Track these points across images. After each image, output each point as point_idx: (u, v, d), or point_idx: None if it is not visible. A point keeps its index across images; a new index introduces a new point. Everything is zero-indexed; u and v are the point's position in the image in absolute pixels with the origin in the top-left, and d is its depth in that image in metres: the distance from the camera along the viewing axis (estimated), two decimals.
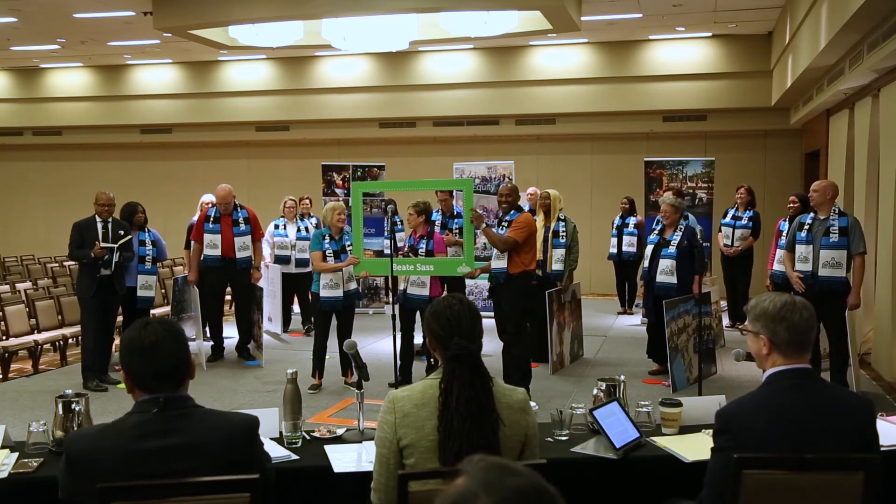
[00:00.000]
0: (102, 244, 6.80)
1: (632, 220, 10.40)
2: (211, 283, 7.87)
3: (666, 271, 6.81)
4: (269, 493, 2.28)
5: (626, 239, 10.42)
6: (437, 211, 8.11)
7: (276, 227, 9.31)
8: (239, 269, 7.85)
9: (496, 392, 2.36)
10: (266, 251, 9.12)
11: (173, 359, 2.20)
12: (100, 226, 6.95)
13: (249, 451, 2.24)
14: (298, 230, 9.31)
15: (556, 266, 7.56)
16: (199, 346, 7.84)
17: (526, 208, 9.65)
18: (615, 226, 10.58)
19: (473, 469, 1.21)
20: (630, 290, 10.77)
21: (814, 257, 6.17)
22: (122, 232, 7.00)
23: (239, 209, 7.93)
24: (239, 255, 7.80)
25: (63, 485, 2.20)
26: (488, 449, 2.22)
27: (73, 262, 8.89)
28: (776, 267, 7.37)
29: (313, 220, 9.52)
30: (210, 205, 8.21)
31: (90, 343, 6.96)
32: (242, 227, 7.86)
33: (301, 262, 9.14)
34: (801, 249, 6.28)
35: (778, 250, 7.38)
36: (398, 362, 6.42)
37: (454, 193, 8.57)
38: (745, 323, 2.54)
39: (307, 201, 9.64)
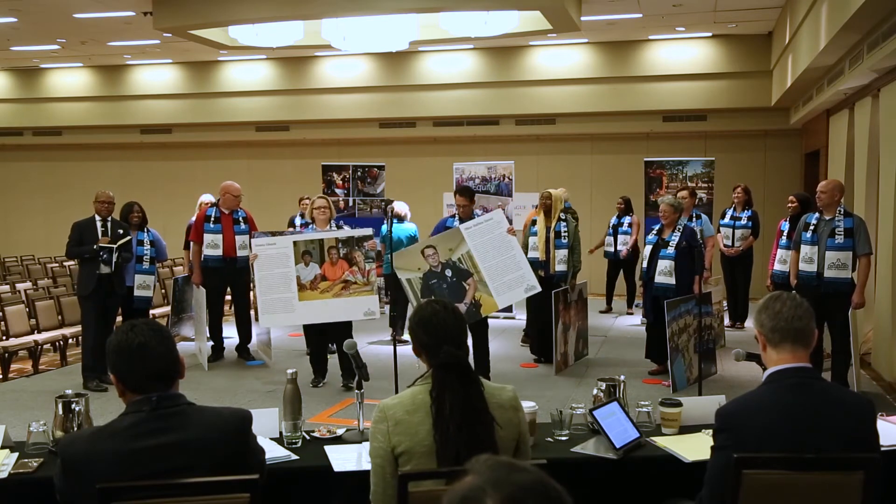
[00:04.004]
0: (102, 244, 6.81)
1: (626, 220, 10.44)
2: (212, 283, 7.81)
3: (664, 272, 6.79)
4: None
5: (621, 238, 10.45)
6: (454, 217, 7.15)
7: (305, 226, 7.50)
8: (239, 268, 7.84)
9: (486, 393, 2.37)
10: None
11: (162, 359, 2.20)
12: (99, 224, 6.97)
13: (243, 445, 2.25)
14: None
15: (560, 267, 7.49)
16: (200, 346, 7.84)
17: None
18: (611, 225, 10.60)
19: (481, 467, 1.23)
20: (629, 289, 10.77)
21: (819, 258, 6.16)
22: (121, 231, 7.01)
23: (238, 208, 7.93)
24: (239, 254, 7.80)
25: (60, 489, 2.20)
26: (487, 451, 2.21)
27: (73, 262, 8.89)
28: (777, 267, 7.36)
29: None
30: (208, 205, 8.19)
31: (91, 341, 6.95)
32: (242, 226, 7.85)
33: None
34: (805, 250, 6.27)
35: (780, 250, 7.37)
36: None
37: (475, 199, 7.25)
38: None
39: (307, 201, 9.59)
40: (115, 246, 6.85)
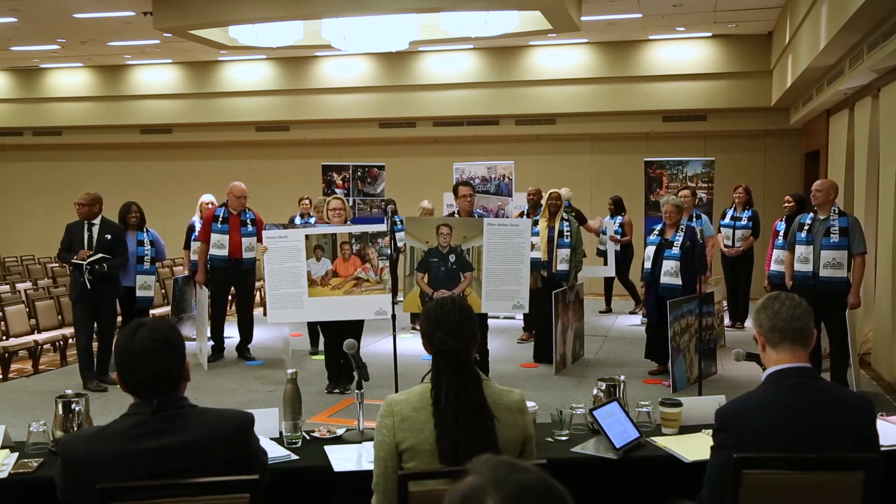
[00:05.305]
0: (74, 260, 6.77)
1: (617, 220, 10.47)
2: (217, 283, 7.81)
3: (671, 272, 6.79)
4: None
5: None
6: (456, 214, 6.96)
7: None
8: (244, 269, 7.84)
9: (493, 394, 2.37)
10: None
11: (162, 367, 2.18)
12: (85, 227, 6.92)
13: (245, 446, 2.25)
14: None
15: (562, 266, 7.53)
16: (201, 346, 7.84)
17: (524, 208, 9.62)
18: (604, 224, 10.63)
19: (482, 467, 1.23)
20: (627, 288, 10.76)
21: (814, 258, 6.17)
22: (108, 236, 6.92)
23: (246, 210, 7.92)
24: (245, 255, 7.79)
25: (60, 489, 2.20)
26: (485, 445, 2.22)
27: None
28: (774, 267, 7.36)
29: (312, 220, 9.41)
30: (211, 205, 8.18)
31: (83, 343, 6.98)
32: (250, 227, 7.84)
33: None
34: (801, 250, 6.27)
35: (776, 251, 7.37)
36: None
37: (475, 197, 7.17)
38: None
39: (307, 201, 9.58)
40: (84, 263, 6.75)
